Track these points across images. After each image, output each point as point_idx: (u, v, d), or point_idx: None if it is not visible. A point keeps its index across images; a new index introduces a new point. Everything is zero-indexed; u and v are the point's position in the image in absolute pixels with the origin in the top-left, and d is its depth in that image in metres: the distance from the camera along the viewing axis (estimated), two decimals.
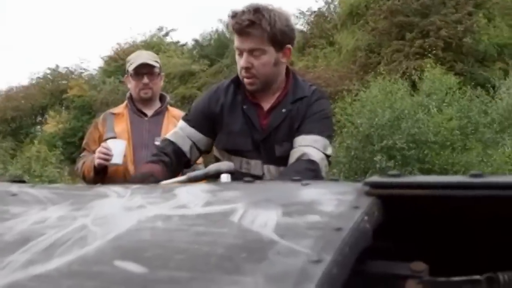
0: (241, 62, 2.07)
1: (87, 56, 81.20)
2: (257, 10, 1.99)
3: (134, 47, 37.91)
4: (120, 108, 3.12)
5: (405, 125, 16.71)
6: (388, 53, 25.48)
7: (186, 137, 2.18)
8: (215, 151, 2.27)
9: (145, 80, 2.98)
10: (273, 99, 2.16)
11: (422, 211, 0.83)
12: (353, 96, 18.88)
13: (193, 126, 2.19)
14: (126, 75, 3.13)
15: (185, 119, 2.26)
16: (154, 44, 38.40)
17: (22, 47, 69.07)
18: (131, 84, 3.06)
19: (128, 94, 3.13)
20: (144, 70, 2.99)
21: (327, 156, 2.05)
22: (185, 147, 2.17)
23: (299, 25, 35.66)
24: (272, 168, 2.13)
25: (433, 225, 0.86)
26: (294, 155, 2.02)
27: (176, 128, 2.25)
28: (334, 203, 0.80)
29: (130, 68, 3.00)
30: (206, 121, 2.19)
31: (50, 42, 71.87)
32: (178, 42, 40.16)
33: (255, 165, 2.13)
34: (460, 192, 0.75)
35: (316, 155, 1.99)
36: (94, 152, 2.79)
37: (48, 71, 41.29)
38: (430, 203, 0.79)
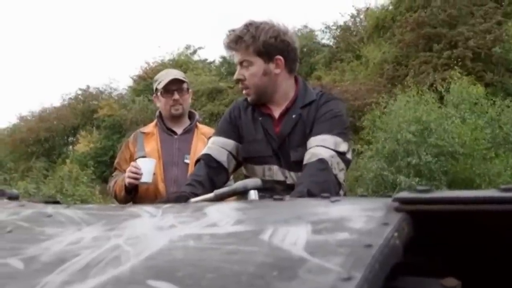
0: (234, 75, 2.24)
1: (116, 76, 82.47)
2: (244, 26, 2.17)
3: (162, 66, 38.43)
4: (150, 127, 3.15)
5: (431, 139, 16.46)
6: (416, 65, 25.31)
7: (221, 148, 2.24)
8: (243, 168, 2.32)
9: (176, 96, 3.01)
10: (282, 107, 2.23)
11: (453, 226, 0.82)
12: (381, 109, 18.74)
13: (224, 135, 2.27)
14: (154, 94, 3.16)
15: (213, 135, 2.34)
16: (182, 62, 38.87)
17: (54, 69, 70.61)
18: (160, 102, 3.08)
19: (157, 113, 3.16)
20: (174, 86, 3.02)
21: (340, 153, 2.04)
22: (222, 157, 2.22)
23: (325, 39, 35.79)
24: (292, 173, 2.17)
25: (464, 240, 0.85)
26: (305, 158, 2.04)
27: (208, 144, 2.30)
28: (364, 219, 0.80)
29: (160, 85, 3.03)
30: (232, 128, 2.28)
31: (81, 63, 73.39)
32: (205, 59, 40.58)
33: (277, 171, 2.18)
34: (490, 207, 0.74)
35: (324, 153, 2.00)
36: (125, 171, 2.82)
37: (79, 92, 42.12)
38: (461, 218, 0.78)
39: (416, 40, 26.27)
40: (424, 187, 0.82)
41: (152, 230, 0.95)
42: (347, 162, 2.07)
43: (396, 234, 0.74)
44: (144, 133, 3.11)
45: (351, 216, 0.82)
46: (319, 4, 69.92)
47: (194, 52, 40.99)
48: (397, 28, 27.98)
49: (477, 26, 25.09)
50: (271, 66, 2.17)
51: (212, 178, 2.16)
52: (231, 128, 2.28)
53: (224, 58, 38.82)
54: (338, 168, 2.02)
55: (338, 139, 2.06)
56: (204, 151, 2.28)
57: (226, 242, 0.82)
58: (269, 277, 0.67)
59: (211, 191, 2.11)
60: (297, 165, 2.12)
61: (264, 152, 2.19)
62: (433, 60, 24.91)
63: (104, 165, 34.14)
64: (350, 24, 34.79)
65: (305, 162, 2.03)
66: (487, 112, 18.70)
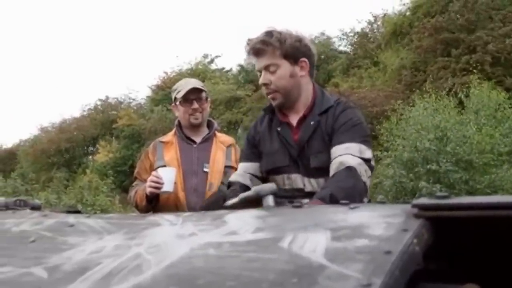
0: (260, 80, 2.24)
1: (135, 86, 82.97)
2: (267, 32, 2.19)
3: (180, 75, 38.59)
4: (169, 136, 3.16)
5: (449, 148, 16.26)
6: (434, 71, 25.09)
7: (244, 172, 2.34)
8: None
9: (195, 105, 3.02)
10: (300, 113, 2.25)
11: (473, 232, 0.82)
12: (398, 116, 18.60)
13: (245, 160, 2.37)
14: (173, 104, 3.17)
15: (240, 160, 2.45)
16: (199, 72, 38.99)
17: (74, 80, 71.37)
18: (179, 112, 3.10)
19: (176, 122, 3.17)
20: (193, 95, 3.02)
21: (366, 160, 2.06)
22: (246, 181, 2.31)
23: (342, 46, 35.69)
24: (312, 180, 2.18)
25: (484, 246, 0.85)
26: (332, 168, 2.05)
27: (236, 171, 2.42)
28: (383, 226, 0.80)
29: (179, 95, 3.04)
30: (253, 150, 2.36)
31: (100, 74, 74.06)
32: (223, 68, 40.63)
33: (295, 179, 2.20)
34: (510, 212, 0.74)
35: (352, 161, 2.01)
36: (145, 180, 2.84)
37: (99, 102, 42.47)
38: (480, 224, 0.78)
39: (434, 45, 26.06)
40: (443, 193, 0.82)
41: (173, 238, 0.96)
42: (372, 169, 2.09)
43: (415, 240, 0.74)
44: (163, 142, 3.12)
45: (370, 222, 0.82)
46: (336, 11, 69.86)
47: (212, 61, 41.13)
48: (414, 34, 27.78)
49: (496, 30, 24.81)
50: (297, 68, 2.21)
51: None
52: (250, 150, 2.37)
53: (241, 66, 38.90)
54: (366, 176, 2.03)
55: (363, 147, 2.08)
56: (232, 178, 2.39)
57: (246, 249, 0.82)
58: (289, 284, 0.67)
59: None
60: (317, 172, 2.14)
61: (281, 162, 2.22)
62: (452, 65, 24.67)
63: (123, 174, 34.33)
64: (368, 30, 34.66)
65: (333, 171, 2.03)
66: (508, 118, 18.41)
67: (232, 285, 0.70)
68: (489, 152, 16.51)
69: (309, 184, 2.18)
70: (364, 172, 2.02)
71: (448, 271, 0.85)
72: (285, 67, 2.19)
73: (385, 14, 33.62)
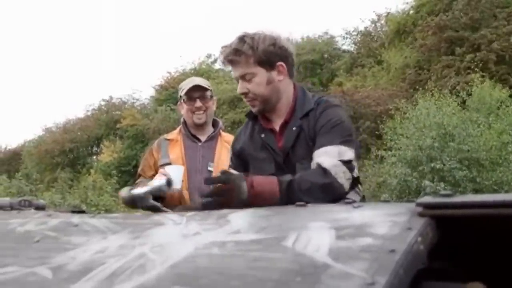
0: (238, 90, 2.18)
1: (139, 86, 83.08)
2: (239, 39, 2.11)
3: (184, 75, 38.61)
4: (174, 134, 3.16)
5: (453, 144, 16.23)
6: (438, 69, 25.06)
7: None
8: None
9: (198, 103, 3.00)
10: (283, 118, 2.18)
11: (477, 231, 0.82)
12: (402, 115, 18.58)
13: (234, 169, 2.27)
14: (179, 102, 3.16)
15: (229, 167, 2.36)
16: (203, 71, 39.01)
17: (78, 81, 71.56)
18: (184, 110, 3.10)
19: (182, 120, 3.16)
20: (196, 94, 3.01)
21: (345, 162, 1.96)
22: None
23: (346, 45, 35.65)
24: None
25: (489, 244, 0.84)
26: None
27: None
28: (387, 225, 0.80)
29: (183, 93, 3.04)
30: (239, 161, 2.29)
31: (103, 74, 74.24)
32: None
33: None
34: None
35: (327, 162, 1.93)
36: (150, 178, 2.83)
37: (103, 103, 42.57)
38: (485, 222, 0.78)
39: (438, 44, 26.02)
40: (448, 192, 0.81)
41: (177, 237, 0.96)
42: (352, 170, 1.98)
43: (420, 239, 0.73)
44: (168, 139, 3.12)
45: (374, 221, 0.82)
46: (339, 10, 69.77)
47: (215, 61, 41.07)
48: (418, 33, 27.75)
49: (500, 28, 24.76)
50: (274, 74, 2.13)
51: None
52: (237, 161, 2.31)
53: None
54: (344, 177, 1.94)
55: (342, 148, 1.99)
56: None
57: (250, 249, 0.82)
58: (293, 283, 0.67)
59: None
60: None
61: (267, 170, 2.13)
62: (456, 64, 24.64)
63: (127, 174, 34.36)
64: (371, 29, 34.64)
65: None
66: (510, 115, 18.36)
67: (236, 284, 0.70)
68: (497, 149, 16.47)
69: None
70: (341, 173, 1.93)
71: (452, 270, 0.85)
72: (261, 75, 2.12)
73: (388, 13, 33.60)
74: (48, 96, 77.42)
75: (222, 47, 2.17)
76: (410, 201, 0.89)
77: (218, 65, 40.68)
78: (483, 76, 20.89)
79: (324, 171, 1.91)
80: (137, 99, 42.74)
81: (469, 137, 16.45)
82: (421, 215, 0.80)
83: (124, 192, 2.55)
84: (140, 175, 3.12)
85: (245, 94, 2.16)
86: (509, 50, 24.07)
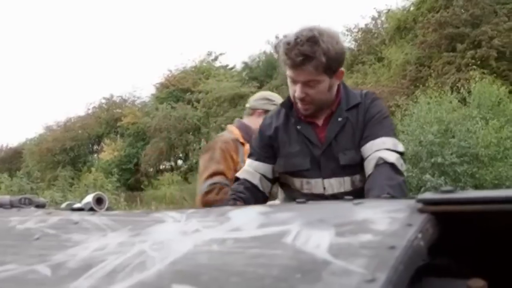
0: (296, 92, 2.06)
1: (139, 84, 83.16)
2: (310, 40, 1.94)
3: (184, 73, 38.70)
4: (241, 138, 3.09)
5: (454, 140, 16.26)
6: (439, 66, 25.05)
7: (254, 171, 2.22)
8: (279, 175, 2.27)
9: None
10: (326, 112, 2.15)
11: (478, 227, 0.81)
12: (403, 111, 18.59)
13: (257, 159, 2.24)
14: (259, 110, 3.15)
15: (249, 155, 2.31)
16: (204, 69, 39.07)
17: (79, 79, 71.58)
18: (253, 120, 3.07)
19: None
20: None
21: (400, 154, 1.99)
22: (255, 180, 2.21)
23: (347, 42, 35.59)
24: (334, 181, 2.10)
25: (490, 241, 0.84)
26: (370, 163, 1.96)
27: (244, 167, 2.30)
28: (387, 221, 0.79)
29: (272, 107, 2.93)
30: (265, 150, 2.23)
31: (104, 72, 74.31)
32: (227, 65, 40.66)
33: (315, 184, 2.12)
34: None
35: (391, 157, 1.94)
36: (232, 180, 2.61)
37: (103, 101, 42.63)
38: (486, 218, 0.77)
39: (439, 40, 26.02)
40: (449, 188, 0.81)
41: (177, 235, 0.96)
42: (404, 161, 2.02)
43: (420, 235, 0.73)
44: (242, 143, 3.05)
45: (374, 218, 0.82)
46: (339, 6, 69.79)
47: (216, 58, 41.16)
48: (419, 29, 27.74)
49: (501, 25, 24.73)
50: (334, 79, 2.08)
51: (250, 192, 2.18)
52: (263, 150, 2.23)
53: (245, 63, 38.94)
54: (403, 169, 1.97)
55: (395, 140, 2.02)
56: (240, 174, 2.27)
57: (250, 246, 0.82)
58: (293, 280, 0.67)
59: (252, 196, 2.16)
60: (343, 170, 2.08)
61: (301, 165, 2.12)
62: (457, 61, 24.63)
63: (128, 172, 34.45)
64: (371, 26, 34.61)
65: (371, 166, 1.96)
66: (509, 111, 18.37)
67: (236, 281, 0.70)
68: (495, 145, 16.49)
69: (330, 186, 2.10)
70: (401, 166, 1.96)
71: (453, 266, 0.85)
72: (325, 82, 2.03)
73: (389, 10, 33.60)
74: (49, 94, 77.60)
75: (287, 46, 1.97)
76: (410, 197, 0.89)
77: (218, 63, 40.77)
78: (483, 73, 20.86)
79: (392, 166, 1.92)
80: (138, 97, 42.85)
81: (468, 133, 16.47)
82: (421, 211, 0.79)
83: None
84: (216, 175, 2.92)
85: (303, 98, 2.07)
86: (510, 47, 24.07)
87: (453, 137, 16.49)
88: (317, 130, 2.15)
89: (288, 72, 2.04)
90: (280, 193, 2.38)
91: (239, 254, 0.80)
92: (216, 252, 0.83)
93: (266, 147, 2.23)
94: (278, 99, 3.15)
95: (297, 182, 2.16)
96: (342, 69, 2.09)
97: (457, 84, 21.13)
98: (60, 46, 79.75)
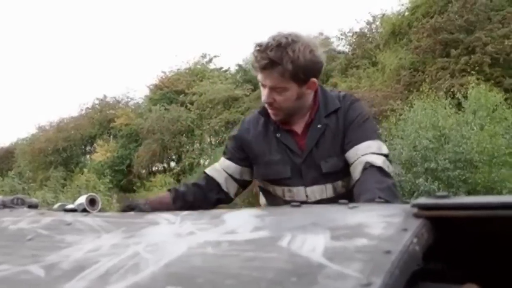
0: (263, 97, 2.06)
1: (133, 85, 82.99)
2: (279, 46, 1.93)
3: (178, 75, 38.66)
4: None
5: (448, 146, 16.32)
6: (433, 71, 25.14)
7: (222, 170, 2.21)
8: (259, 183, 2.26)
9: None
10: (305, 120, 2.12)
11: (472, 232, 0.82)
12: (397, 116, 18.65)
13: (229, 159, 2.23)
14: None
15: (223, 153, 2.30)
16: (198, 71, 39.05)
17: (72, 79, 71.42)
18: None
19: None
20: None
21: (386, 156, 1.96)
22: (220, 178, 2.20)
23: (341, 46, 35.72)
24: (316, 188, 2.08)
25: (485, 246, 0.84)
26: (357, 168, 1.93)
27: (215, 163, 2.29)
28: (382, 225, 0.79)
29: None
30: (238, 152, 2.21)
31: (98, 73, 74.17)
32: (221, 68, 40.64)
33: (297, 192, 2.10)
34: (509, 212, 0.73)
35: (378, 160, 1.91)
36: None
37: (96, 101, 42.52)
38: (480, 224, 0.78)
39: (433, 46, 26.10)
40: (443, 193, 0.81)
41: (171, 237, 0.96)
42: (390, 162, 1.99)
43: (415, 240, 0.73)
44: None
45: (369, 222, 0.82)
46: (334, 11, 69.96)
47: (210, 60, 41.14)
48: (413, 34, 27.82)
49: (495, 31, 24.83)
50: (304, 88, 2.03)
51: (206, 194, 2.18)
52: (235, 151, 2.22)
53: (239, 66, 38.91)
54: (390, 172, 1.94)
55: (380, 143, 2.00)
56: (208, 169, 2.26)
57: (244, 248, 0.82)
58: (288, 283, 0.67)
59: (210, 191, 2.18)
60: (325, 177, 2.06)
61: (282, 173, 2.11)
62: (451, 66, 24.72)
63: (121, 173, 34.35)
64: (366, 30, 34.69)
65: (359, 171, 1.92)
66: (506, 119, 18.45)
67: (231, 283, 0.70)
68: (489, 151, 16.55)
69: (313, 194, 2.08)
70: (388, 169, 1.93)
71: (447, 271, 0.85)
72: (293, 90, 2.00)
73: (383, 14, 33.70)
74: (42, 94, 77.34)
75: (258, 48, 1.97)
76: (405, 202, 0.89)
77: (213, 65, 40.76)
78: (478, 79, 20.96)
79: (381, 170, 1.89)
80: (132, 98, 42.79)
81: (463, 139, 16.53)
82: (416, 216, 0.80)
83: None
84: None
85: (270, 103, 2.06)
86: (504, 53, 24.16)
87: (448, 143, 16.55)
88: (296, 138, 2.12)
89: (258, 76, 2.04)
90: (261, 198, 2.37)
91: (234, 257, 0.79)
92: (211, 255, 0.82)
93: (239, 150, 2.21)
94: None
95: (278, 190, 2.14)
96: (314, 80, 2.03)
97: (451, 90, 21.20)
98: (54, 46, 79.58)
